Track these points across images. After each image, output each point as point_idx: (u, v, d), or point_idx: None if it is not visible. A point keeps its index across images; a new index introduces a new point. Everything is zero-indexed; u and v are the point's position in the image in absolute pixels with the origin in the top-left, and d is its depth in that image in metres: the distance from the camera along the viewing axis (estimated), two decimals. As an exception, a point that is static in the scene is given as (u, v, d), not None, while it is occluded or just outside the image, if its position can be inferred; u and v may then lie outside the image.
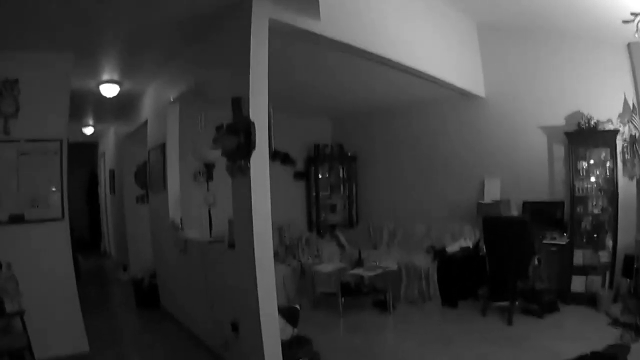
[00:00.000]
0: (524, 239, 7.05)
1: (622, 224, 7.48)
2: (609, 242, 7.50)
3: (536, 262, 7.12)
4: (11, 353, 5.25)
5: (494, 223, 7.52)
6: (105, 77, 7.79)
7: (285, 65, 6.85)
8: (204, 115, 7.00)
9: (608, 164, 7.56)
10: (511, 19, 7.98)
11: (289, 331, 5.34)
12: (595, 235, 7.62)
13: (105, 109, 10.49)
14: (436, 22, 7.74)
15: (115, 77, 7.84)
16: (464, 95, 9.11)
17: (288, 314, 5.52)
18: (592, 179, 7.71)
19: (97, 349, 6.43)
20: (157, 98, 8.26)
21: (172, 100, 7.39)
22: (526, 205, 8.35)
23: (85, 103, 9.43)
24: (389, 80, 8.25)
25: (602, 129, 7.52)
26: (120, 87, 8.14)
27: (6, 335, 5.30)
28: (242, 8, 4.91)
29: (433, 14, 7.64)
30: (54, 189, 6.27)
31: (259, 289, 4.75)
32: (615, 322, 6.49)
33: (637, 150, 7.37)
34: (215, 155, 6.38)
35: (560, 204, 8.02)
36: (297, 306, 6.03)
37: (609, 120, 7.49)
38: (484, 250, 7.52)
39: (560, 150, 8.16)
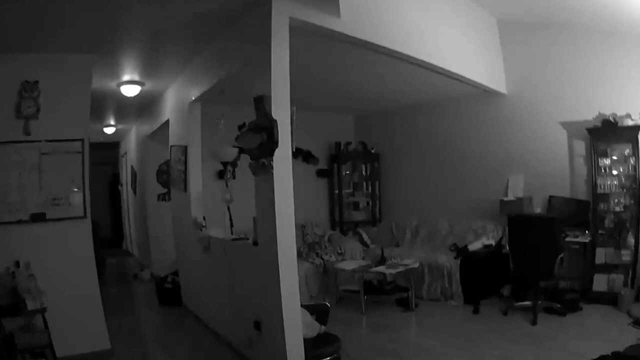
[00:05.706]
0: (551, 237, 6.95)
1: (645, 222, 7.36)
2: (631, 240, 7.38)
3: (559, 260, 7.06)
4: (33, 350, 5.28)
5: (520, 221, 7.43)
6: (126, 77, 7.85)
7: (308, 63, 6.86)
8: (226, 114, 7.02)
9: (631, 160, 7.44)
10: (531, 14, 7.95)
11: (317, 328, 5.33)
12: (617, 233, 7.50)
13: (127, 109, 10.59)
14: (457, 18, 7.69)
15: (136, 77, 7.90)
16: (485, 92, 9.07)
17: (318, 311, 5.51)
18: (614, 175, 7.59)
19: (118, 347, 6.48)
20: (178, 97, 8.32)
21: (193, 99, 7.42)
22: (552, 202, 8.24)
23: (107, 103, 9.51)
24: (411, 78, 8.25)
25: (624, 125, 7.40)
26: (141, 87, 8.19)
27: (28, 333, 5.33)
28: (261, 7, 4.92)
29: (454, 10, 7.61)
30: (75, 189, 6.30)
31: (281, 286, 4.76)
32: (636, 322, 6.42)
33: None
34: (237, 154, 6.40)
35: (583, 202, 7.91)
36: (327, 304, 6.02)
37: (628, 115, 7.38)
38: (507, 248, 7.46)
39: (582, 147, 8.09)
